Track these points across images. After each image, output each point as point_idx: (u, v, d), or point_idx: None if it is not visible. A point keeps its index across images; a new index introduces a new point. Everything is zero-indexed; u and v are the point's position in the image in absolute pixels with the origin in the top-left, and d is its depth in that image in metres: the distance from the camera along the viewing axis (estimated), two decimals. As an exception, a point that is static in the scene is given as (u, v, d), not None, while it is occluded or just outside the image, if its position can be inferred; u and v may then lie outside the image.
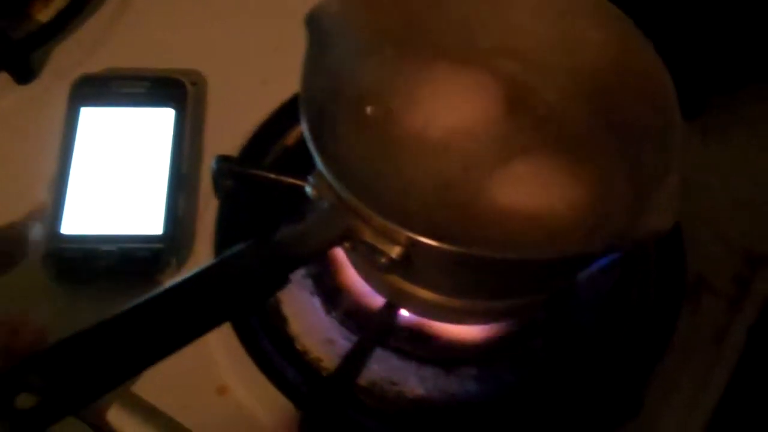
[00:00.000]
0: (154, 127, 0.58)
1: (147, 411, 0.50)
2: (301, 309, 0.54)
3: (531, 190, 0.45)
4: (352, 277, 0.53)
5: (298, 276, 0.54)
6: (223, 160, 0.55)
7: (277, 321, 0.53)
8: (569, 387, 0.51)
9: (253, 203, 0.56)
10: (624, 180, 0.44)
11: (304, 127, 0.41)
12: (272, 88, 0.61)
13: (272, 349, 0.52)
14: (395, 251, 0.40)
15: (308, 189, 0.43)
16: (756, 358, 0.53)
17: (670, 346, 0.51)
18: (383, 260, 0.40)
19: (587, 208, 0.44)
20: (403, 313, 0.52)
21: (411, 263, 0.40)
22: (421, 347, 0.52)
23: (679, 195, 0.39)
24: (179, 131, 0.58)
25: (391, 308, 0.51)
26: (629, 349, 0.52)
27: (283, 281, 0.39)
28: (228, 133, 0.59)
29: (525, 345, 0.53)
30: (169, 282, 0.37)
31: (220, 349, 0.51)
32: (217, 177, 0.55)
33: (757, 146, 0.60)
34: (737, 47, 0.60)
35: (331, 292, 0.54)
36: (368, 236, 0.40)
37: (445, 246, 0.38)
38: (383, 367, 0.52)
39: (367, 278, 0.50)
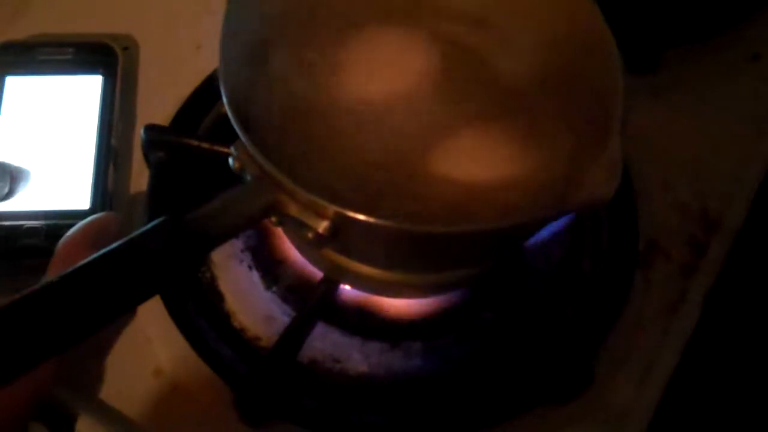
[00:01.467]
0: (82, 95, 0.55)
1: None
2: (239, 284, 0.51)
3: (472, 157, 0.43)
4: (293, 249, 0.51)
5: (236, 249, 0.52)
6: (153, 129, 0.52)
7: (213, 298, 0.51)
8: (518, 360, 0.49)
9: (188, 175, 0.54)
10: (566, 147, 0.42)
11: (223, 94, 0.39)
12: (207, 53, 0.58)
13: (207, 328, 0.49)
14: (322, 226, 0.37)
15: (230, 160, 0.40)
16: (713, 328, 0.51)
17: (622, 316, 0.49)
18: (310, 235, 0.38)
19: (529, 176, 0.42)
20: (346, 287, 0.49)
21: (341, 237, 0.38)
22: (365, 322, 0.50)
23: (620, 161, 0.37)
24: (108, 99, 0.55)
25: (329, 282, 0.48)
26: (580, 320, 0.50)
27: (199, 261, 0.37)
28: (162, 100, 0.56)
29: (473, 317, 0.51)
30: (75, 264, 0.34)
31: (153, 330, 0.49)
32: (147, 148, 0.52)
33: (713, 104, 0.58)
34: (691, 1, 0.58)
35: (272, 266, 0.52)
36: (294, 210, 0.38)
37: (371, 219, 0.35)
38: (326, 344, 0.50)
39: (302, 252, 0.48)
